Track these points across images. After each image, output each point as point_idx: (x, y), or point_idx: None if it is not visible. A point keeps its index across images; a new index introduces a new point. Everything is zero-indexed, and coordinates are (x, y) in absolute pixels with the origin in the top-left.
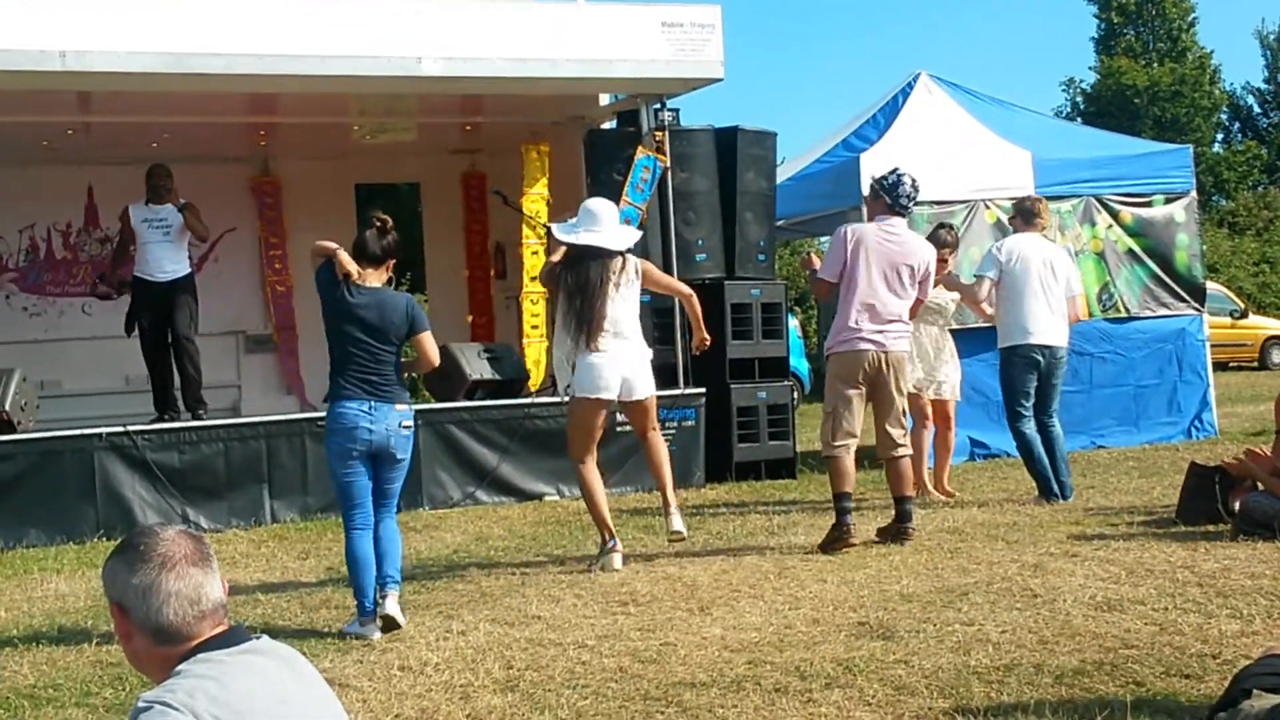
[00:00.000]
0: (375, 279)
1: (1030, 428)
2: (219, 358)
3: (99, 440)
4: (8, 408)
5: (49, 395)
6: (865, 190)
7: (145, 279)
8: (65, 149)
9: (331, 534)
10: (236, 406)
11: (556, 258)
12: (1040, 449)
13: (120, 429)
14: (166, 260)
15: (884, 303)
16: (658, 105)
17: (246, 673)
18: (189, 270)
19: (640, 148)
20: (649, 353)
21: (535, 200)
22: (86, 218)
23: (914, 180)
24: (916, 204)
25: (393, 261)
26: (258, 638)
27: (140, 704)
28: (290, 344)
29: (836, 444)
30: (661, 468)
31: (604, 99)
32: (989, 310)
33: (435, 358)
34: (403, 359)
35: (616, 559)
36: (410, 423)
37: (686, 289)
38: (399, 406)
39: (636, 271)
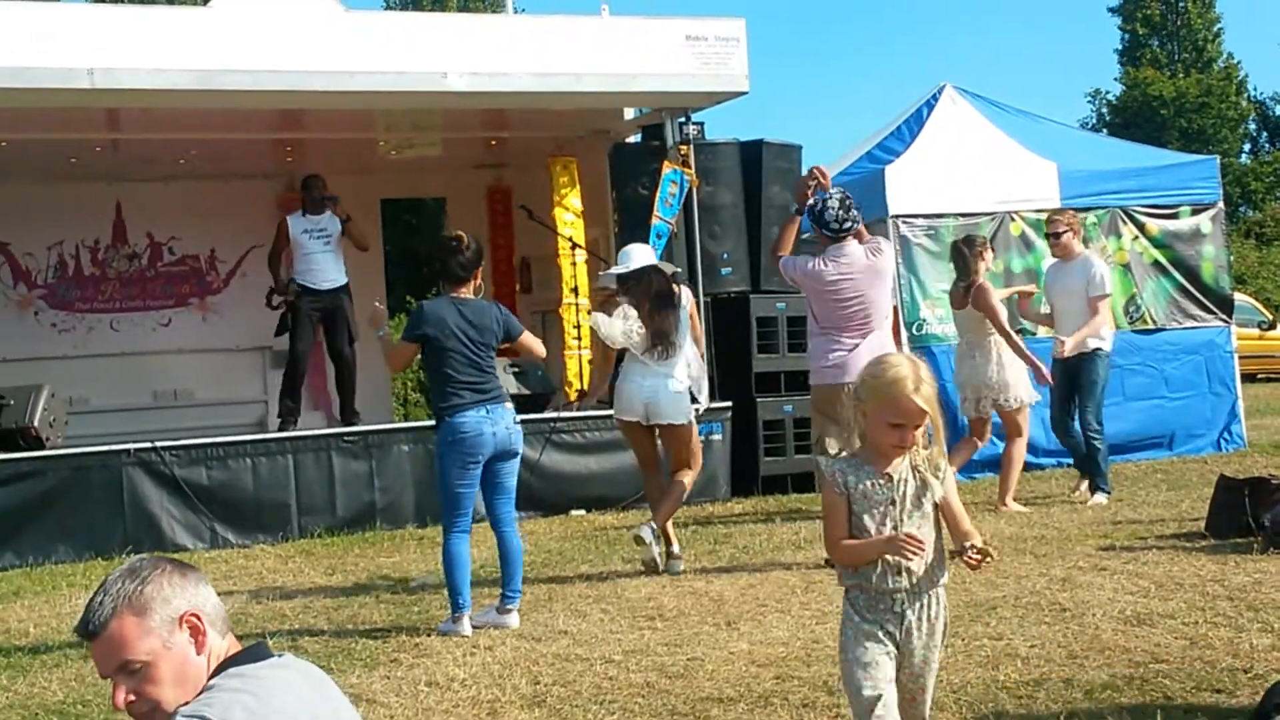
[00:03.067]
0: (467, 291)
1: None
2: (247, 373)
3: (127, 456)
4: (37, 424)
5: (77, 411)
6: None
7: (309, 287)
8: (93, 166)
9: (358, 549)
10: (263, 422)
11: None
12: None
13: (148, 445)
14: (330, 269)
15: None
16: (682, 119)
17: (280, 687)
18: (347, 280)
19: (667, 162)
20: (685, 381)
21: (569, 212)
22: (115, 234)
23: (841, 197)
24: (853, 221)
25: (479, 270)
26: (281, 655)
27: (179, 718)
28: (317, 359)
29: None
30: (672, 502)
31: (628, 113)
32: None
33: (541, 350)
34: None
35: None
36: (518, 419)
37: (701, 339)
38: (508, 405)
39: (687, 302)
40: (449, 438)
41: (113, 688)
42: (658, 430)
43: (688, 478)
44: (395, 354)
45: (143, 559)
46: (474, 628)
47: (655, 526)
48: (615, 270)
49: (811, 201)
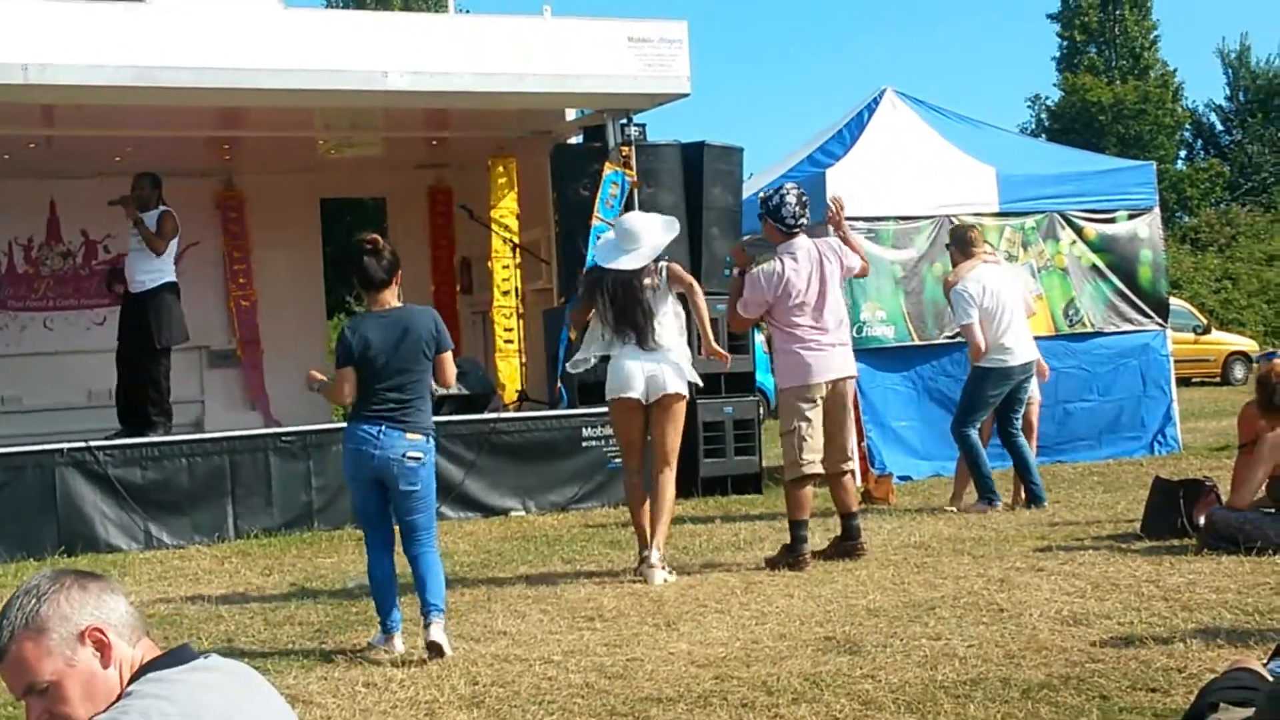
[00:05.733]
0: (390, 299)
1: (975, 434)
2: (182, 372)
3: (60, 456)
4: None
5: (10, 410)
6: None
7: (127, 290)
8: (27, 162)
9: (295, 550)
10: (200, 422)
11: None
12: (984, 454)
13: (82, 444)
14: (136, 270)
15: (834, 321)
16: (624, 120)
17: (198, 690)
18: (163, 280)
19: (608, 163)
20: (683, 357)
21: (505, 215)
22: (49, 231)
23: (799, 194)
24: (807, 218)
25: (399, 275)
26: (206, 655)
27: None
28: (254, 359)
29: (805, 459)
30: (667, 517)
31: (570, 114)
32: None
33: (452, 378)
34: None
35: (645, 568)
36: (419, 454)
37: (689, 278)
38: (410, 436)
39: (664, 276)
40: (343, 446)
41: (26, 709)
42: (651, 410)
43: (670, 481)
44: (337, 388)
45: (43, 574)
46: (372, 645)
47: (659, 554)
48: (601, 256)
49: (765, 194)
